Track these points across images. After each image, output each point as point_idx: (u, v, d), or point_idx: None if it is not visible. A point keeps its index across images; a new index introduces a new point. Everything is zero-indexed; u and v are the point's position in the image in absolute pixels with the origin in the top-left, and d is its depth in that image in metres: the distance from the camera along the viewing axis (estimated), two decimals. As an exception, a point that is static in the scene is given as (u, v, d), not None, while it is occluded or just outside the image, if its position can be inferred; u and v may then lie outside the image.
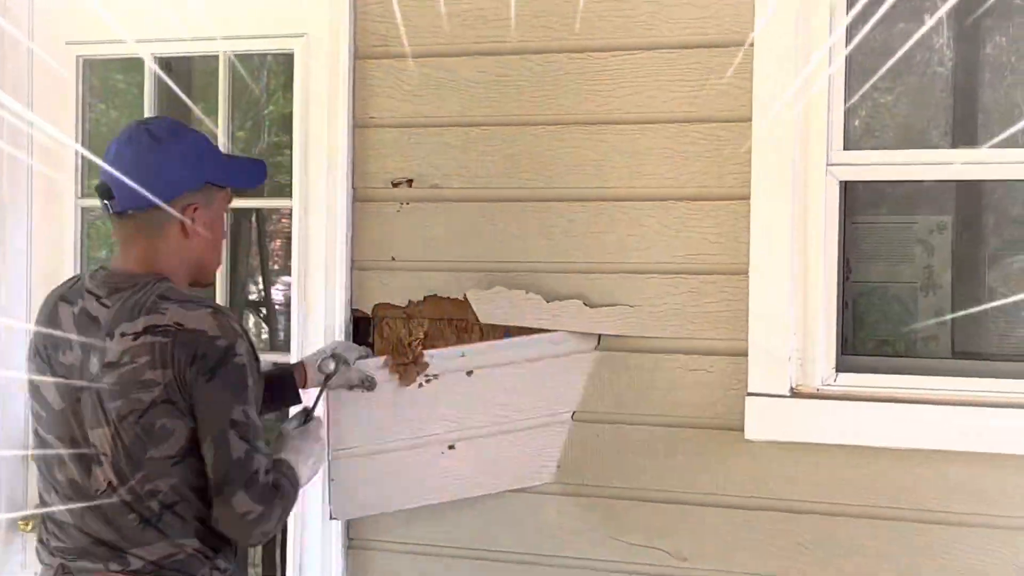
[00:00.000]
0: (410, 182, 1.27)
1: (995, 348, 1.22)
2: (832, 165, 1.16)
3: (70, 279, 1.03)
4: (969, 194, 1.20)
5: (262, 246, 1.57)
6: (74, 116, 1.35)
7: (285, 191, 1.36)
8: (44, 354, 0.91)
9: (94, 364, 0.86)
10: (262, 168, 1.05)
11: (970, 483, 1.10)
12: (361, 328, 1.28)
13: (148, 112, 1.36)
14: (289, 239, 1.29)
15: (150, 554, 0.86)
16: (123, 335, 0.84)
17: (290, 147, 1.34)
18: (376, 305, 1.28)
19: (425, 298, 1.26)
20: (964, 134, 1.19)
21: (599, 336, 1.21)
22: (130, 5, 1.32)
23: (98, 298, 0.89)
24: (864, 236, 1.18)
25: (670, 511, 1.19)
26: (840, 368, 1.17)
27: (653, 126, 1.20)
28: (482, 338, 1.26)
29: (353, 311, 1.28)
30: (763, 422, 1.13)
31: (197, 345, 0.84)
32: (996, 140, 1.11)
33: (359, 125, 1.27)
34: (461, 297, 1.25)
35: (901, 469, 1.12)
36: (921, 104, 1.16)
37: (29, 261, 1.39)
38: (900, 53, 1.16)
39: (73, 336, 0.89)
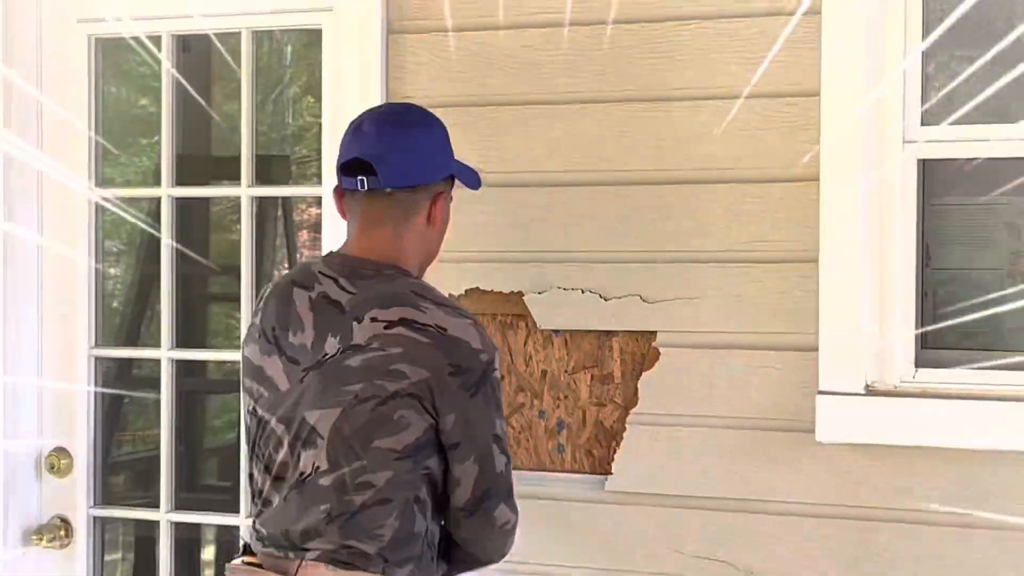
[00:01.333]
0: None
1: None
2: (909, 142, 1.08)
3: (299, 266, 1.10)
4: None
5: (289, 236, 1.49)
6: (86, 99, 1.26)
7: (312, 178, 1.29)
8: (271, 335, 0.90)
9: (332, 345, 0.84)
10: (479, 175, 1.03)
11: None
12: None
13: (165, 95, 1.27)
14: (317, 229, 1.21)
15: (326, 547, 0.83)
16: (374, 320, 0.83)
17: (316, 132, 1.27)
18: None
19: (467, 291, 1.17)
20: None
21: (655, 332, 1.14)
22: None
23: (336, 281, 0.88)
24: (945, 219, 1.07)
25: (734, 520, 1.10)
26: (920, 363, 1.08)
27: (713, 102, 1.10)
28: (526, 340, 1.17)
29: None
30: (836, 423, 1.05)
31: (461, 356, 0.83)
32: None
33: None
34: (506, 291, 1.16)
35: (987, 472, 1.03)
36: (1008, 74, 1.06)
37: (40, 255, 1.31)
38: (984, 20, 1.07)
39: (310, 317, 0.87)
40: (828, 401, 1.06)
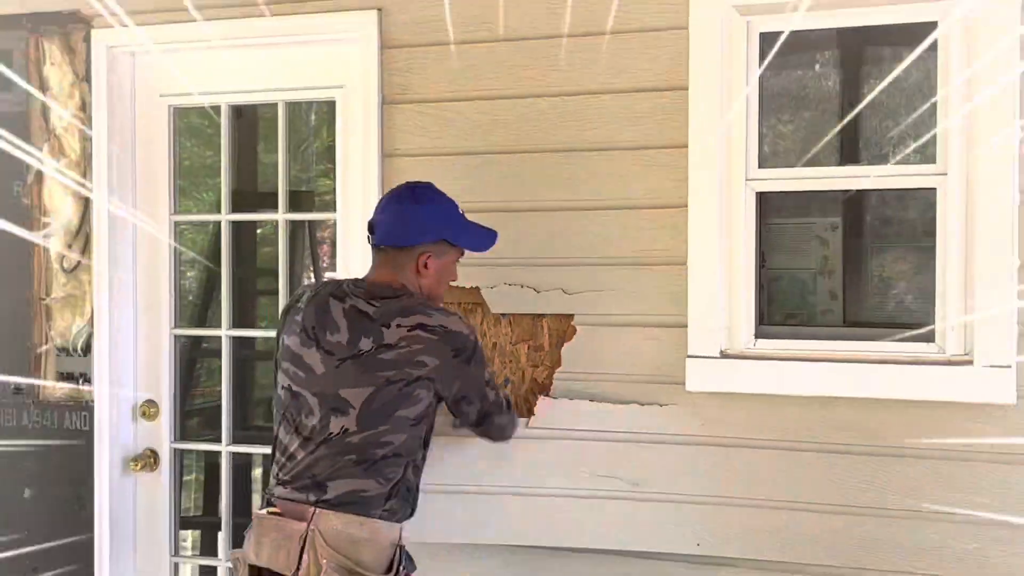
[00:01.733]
0: None
1: (874, 318, 1.52)
2: (750, 180, 1.45)
3: (331, 283, 1.37)
4: (853, 201, 1.50)
5: (313, 248, 1.91)
6: (167, 151, 1.69)
7: (329, 207, 1.71)
8: (312, 333, 1.20)
9: (366, 343, 1.16)
10: (494, 236, 1.35)
11: (856, 421, 1.37)
12: None
13: (224, 148, 1.69)
14: (333, 244, 1.62)
15: (343, 487, 1.16)
16: (399, 326, 1.15)
17: (332, 174, 1.69)
18: None
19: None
20: (849, 155, 1.50)
21: (573, 315, 1.55)
22: (209, 65, 1.66)
23: (366, 300, 1.20)
24: (775, 234, 1.47)
25: (627, 447, 1.48)
26: (758, 336, 1.46)
27: (613, 152, 1.51)
28: (482, 320, 1.58)
29: None
30: (700, 377, 1.42)
31: (458, 342, 1.21)
32: (873, 159, 1.43)
33: (387, 155, 1.58)
34: (468, 286, 1.56)
35: (805, 412, 1.39)
36: (816, 132, 1.46)
37: (135, 263, 1.73)
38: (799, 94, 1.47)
39: (344, 322, 1.19)
40: (694, 362, 1.44)
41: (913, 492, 1.35)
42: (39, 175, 1.73)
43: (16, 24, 1.75)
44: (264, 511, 1.24)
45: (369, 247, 1.30)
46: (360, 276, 1.32)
